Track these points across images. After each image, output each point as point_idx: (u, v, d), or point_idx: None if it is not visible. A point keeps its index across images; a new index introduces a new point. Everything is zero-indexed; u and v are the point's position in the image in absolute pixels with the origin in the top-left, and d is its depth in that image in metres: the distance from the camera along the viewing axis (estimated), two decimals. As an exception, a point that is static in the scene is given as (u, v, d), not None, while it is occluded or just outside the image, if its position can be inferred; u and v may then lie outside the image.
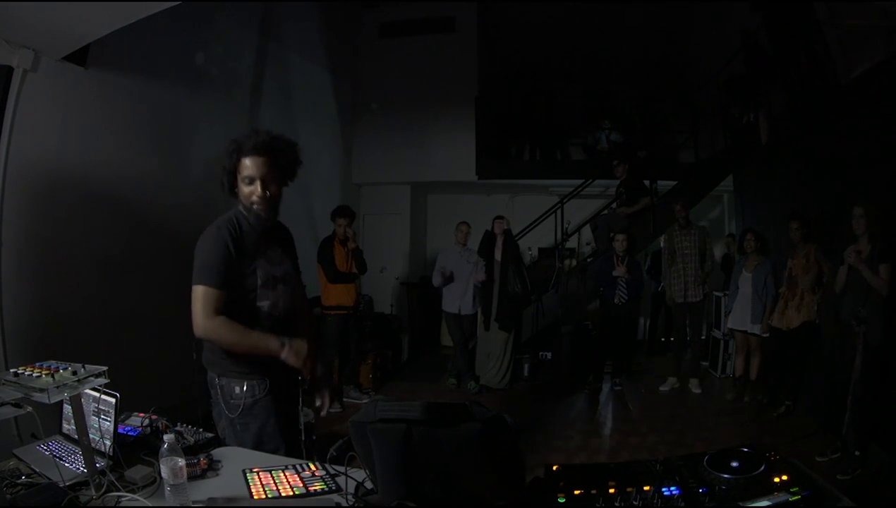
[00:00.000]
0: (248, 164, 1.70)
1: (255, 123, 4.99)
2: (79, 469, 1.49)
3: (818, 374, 3.94)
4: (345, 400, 4.58)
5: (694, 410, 4.54)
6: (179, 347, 2.38)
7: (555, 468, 1.28)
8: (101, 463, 1.44)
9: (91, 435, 1.50)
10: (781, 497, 1.08)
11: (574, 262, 6.40)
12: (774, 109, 5.02)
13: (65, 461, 1.57)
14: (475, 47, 6.93)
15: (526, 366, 5.44)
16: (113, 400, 1.55)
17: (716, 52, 5.80)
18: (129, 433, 1.75)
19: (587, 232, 6.61)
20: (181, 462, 1.30)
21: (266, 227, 1.79)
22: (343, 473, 1.39)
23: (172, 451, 1.29)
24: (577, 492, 1.16)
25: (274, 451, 1.71)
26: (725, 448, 1.25)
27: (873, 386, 2.99)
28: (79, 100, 3.28)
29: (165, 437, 1.31)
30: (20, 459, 1.60)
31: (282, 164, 1.76)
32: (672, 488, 1.15)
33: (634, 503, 1.11)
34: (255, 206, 1.73)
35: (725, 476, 1.15)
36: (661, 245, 5.61)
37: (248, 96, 5.05)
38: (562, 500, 1.14)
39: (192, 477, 1.42)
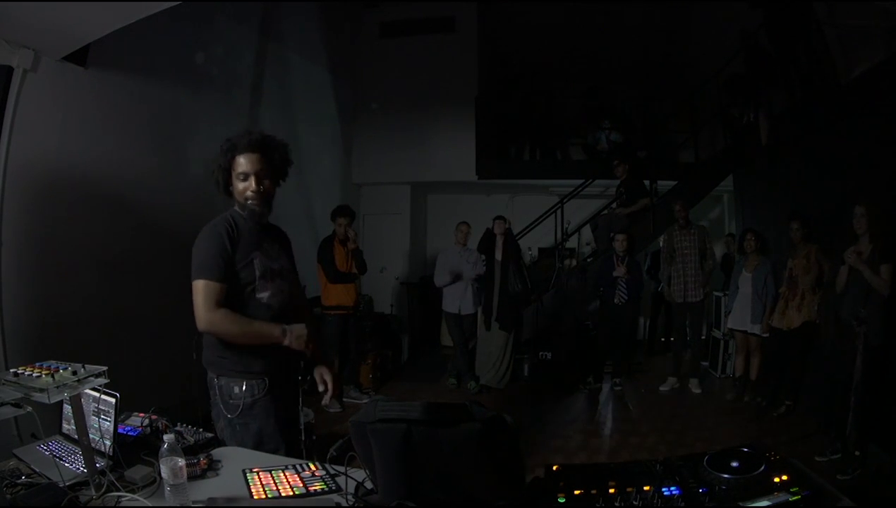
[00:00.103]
0: (243, 161, 1.77)
1: (255, 123, 4.99)
2: (79, 469, 1.49)
3: (818, 374, 3.94)
4: (345, 399, 4.57)
5: (694, 410, 4.54)
6: (179, 347, 2.38)
7: (555, 468, 1.29)
8: (101, 463, 1.44)
9: (91, 435, 1.50)
10: (781, 497, 1.08)
11: (574, 262, 6.41)
12: (774, 109, 5.01)
13: (65, 461, 1.57)
14: (475, 47, 6.92)
15: (526, 366, 5.44)
16: (113, 400, 1.55)
17: (716, 52, 5.80)
18: (129, 433, 1.75)
19: (587, 232, 6.61)
20: (181, 462, 1.30)
21: (260, 222, 1.84)
22: (343, 473, 1.39)
23: (172, 451, 1.29)
24: (577, 492, 1.16)
25: (274, 451, 1.71)
26: (725, 448, 1.25)
27: (873, 386, 2.99)
28: (79, 100, 3.27)
29: (165, 437, 1.31)
30: (20, 459, 1.60)
31: (275, 162, 1.83)
32: (672, 488, 1.15)
33: (634, 503, 1.11)
34: (249, 202, 1.79)
35: (725, 476, 1.15)
36: (661, 244, 5.61)
37: (248, 96, 5.05)
38: (562, 500, 1.14)
39: (192, 477, 1.42)
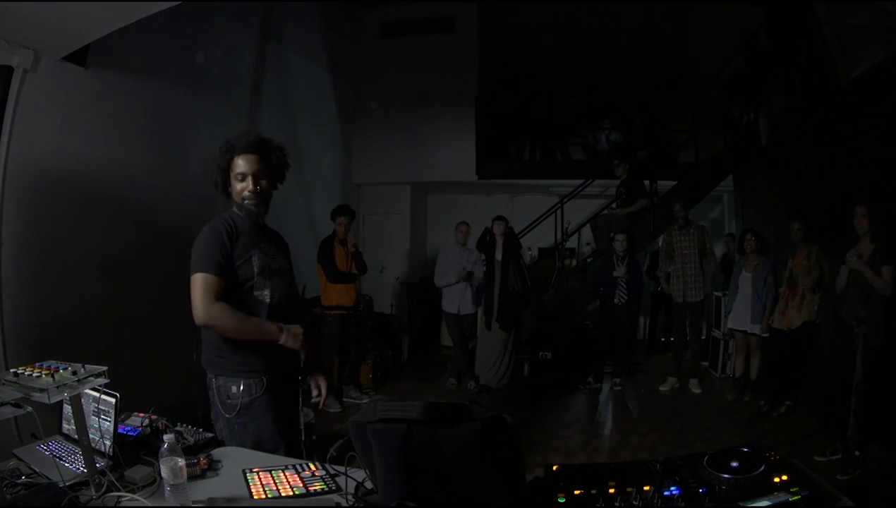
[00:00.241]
0: (241, 162, 1.80)
1: (255, 123, 5.00)
2: (79, 469, 1.49)
3: (818, 374, 3.94)
4: (345, 399, 4.57)
5: (694, 410, 4.54)
6: (179, 347, 2.38)
7: (555, 468, 1.28)
8: (101, 463, 1.44)
9: (91, 435, 1.50)
10: (781, 497, 1.08)
11: (574, 262, 6.41)
12: (774, 109, 5.01)
13: (65, 461, 1.57)
14: (475, 47, 6.92)
15: (526, 366, 5.44)
16: (113, 400, 1.55)
17: (716, 52, 5.80)
18: (129, 433, 1.75)
19: (587, 232, 6.61)
20: (181, 462, 1.30)
21: (257, 222, 1.86)
22: (343, 473, 1.39)
23: (172, 451, 1.29)
24: (577, 492, 1.16)
25: (273, 451, 1.72)
26: (725, 448, 1.25)
27: (874, 386, 2.99)
28: (79, 100, 3.28)
29: (165, 437, 1.31)
30: (20, 459, 1.60)
31: (272, 163, 1.85)
32: (672, 488, 1.15)
33: (634, 503, 1.11)
34: (246, 201, 1.81)
35: (725, 476, 1.15)
36: (660, 244, 5.61)
37: (248, 96, 5.05)
38: (562, 500, 1.14)
39: (192, 477, 1.42)
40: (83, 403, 1.51)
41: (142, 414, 1.83)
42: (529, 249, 7.05)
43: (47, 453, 1.60)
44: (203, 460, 1.51)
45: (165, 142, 4.00)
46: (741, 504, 1.07)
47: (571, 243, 6.81)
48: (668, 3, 6.59)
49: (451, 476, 1.16)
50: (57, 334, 3.03)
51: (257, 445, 1.73)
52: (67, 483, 1.40)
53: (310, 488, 1.43)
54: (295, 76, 5.76)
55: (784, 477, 1.13)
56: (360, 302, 4.87)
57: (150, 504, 1.34)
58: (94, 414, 1.58)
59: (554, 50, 7.51)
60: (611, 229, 5.55)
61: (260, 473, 1.49)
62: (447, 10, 6.90)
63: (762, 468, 1.15)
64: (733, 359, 5.04)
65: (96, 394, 1.56)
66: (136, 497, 1.37)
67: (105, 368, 1.45)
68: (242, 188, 1.80)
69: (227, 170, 1.81)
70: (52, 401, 1.33)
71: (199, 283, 1.66)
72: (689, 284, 4.96)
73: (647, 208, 5.64)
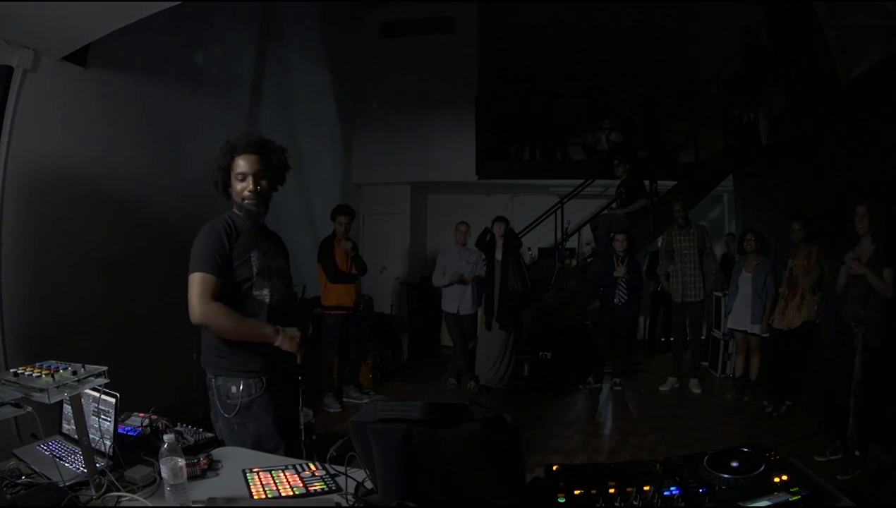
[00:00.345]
0: (241, 162, 1.80)
1: (255, 123, 5.00)
2: (79, 469, 1.49)
3: (818, 374, 3.94)
4: (345, 399, 4.57)
5: (694, 410, 4.54)
6: (179, 347, 2.38)
7: (555, 468, 1.28)
8: (101, 463, 1.44)
9: (91, 435, 1.50)
10: (781, 497, 1.08)
11: (574, 262, 6.41)
12: (774, 109, 5.01)
13: (65, 461, 1.57)
14: (475, 47, 6.92)
15: (526, 366, 5.44)
16: (113, 400, 1.55)
17: (716, 52, 5.80)
18: (129, 433, 1.75)
19: (587, 232, 6.61)
20: (181, 462, 1.30)
21: (257, 222, 1.86)
22: (343, 473, 1.39)
23: (172, 451, 1.29)
24: (577, 492, 1.16)
25: (273, 451, 1.72)
26: (725, 448, 1.25)
27: (873, 386, 2.98)
28: (79, 100, 3.28)
29: (165, 437, 1.31)
30: (20, 459, 1.60)
31: (273, 164, 1.85)
32: (672, 488, 1.15)
33: (634, 503, 1.11)
34: (245, 201, 1.82)
35: (725, 476, 1.15)
36: (659, 244, 5.61)
37: (248, 96, 5.05)
38: (562, 500, 1.14)
39: (192, 477, 1.42)
40: (83, 403, 1.51)
41: (142, 414, 1.83)
42: (529, 249, 7.05)
43: (47, 453, 1.60)
44: (203, 460, 1.51)
45: (165, 142, 4.00)
46: (741, 504, 1.07)
47: (571, 243, 6.81)
48: (668, 2, 6.59)
49: (451, 476, 1.16)
50: (57, 334, 3.03)
51: (257, 445, 1.73)
52: (67, 483, 1.40)
53: (310, 488, 1.43)
54: (295, 76, 5.76)
55: (784, 477, 1.12)
56: (360, 302, 4.86)
57: (150, 504, 1.34)
58: (94, 414, 1.58)
59: (554, 50, 7.51)
60: (611, 229, 5.55)
61: (260, 473, 1.49)
62: (447, 10, 6.90)
63: (762, 468, 1.15)
64: (733, 359, 5.03)
65: (96, 394, 1.56)
66: (136, 497, 1.37)
67: (105, 368, 1.45)
68: (243, 188, 1.81)
69: (227, 170, 1.82)
70: (52, 401, 1.33)
71: (196, 283, 1.67)
72: (689, 284, 4.96)
73: (646, 208, 5.64)
